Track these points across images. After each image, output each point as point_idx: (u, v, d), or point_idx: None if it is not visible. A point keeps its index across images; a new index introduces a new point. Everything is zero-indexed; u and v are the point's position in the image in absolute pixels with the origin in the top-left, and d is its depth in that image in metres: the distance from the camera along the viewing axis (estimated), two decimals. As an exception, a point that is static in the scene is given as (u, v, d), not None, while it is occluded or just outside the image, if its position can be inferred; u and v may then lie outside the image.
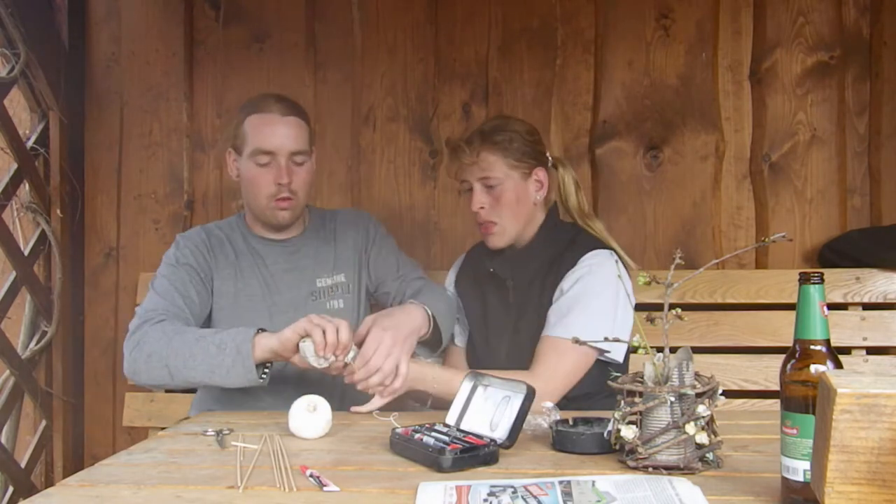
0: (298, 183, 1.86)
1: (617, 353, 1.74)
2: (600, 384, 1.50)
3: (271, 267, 1.93)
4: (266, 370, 1.65)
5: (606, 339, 1.31)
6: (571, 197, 1.92)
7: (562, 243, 1.83)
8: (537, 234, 1.86)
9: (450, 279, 2.06)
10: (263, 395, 1.80)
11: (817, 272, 1.00)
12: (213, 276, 1.89)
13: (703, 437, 1.15)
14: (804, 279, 1.00)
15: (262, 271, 1.92)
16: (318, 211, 2.07)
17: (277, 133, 1.83)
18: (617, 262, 1.75)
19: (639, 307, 1.42)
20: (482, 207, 1.81)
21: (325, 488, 1.12)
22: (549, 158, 1.90)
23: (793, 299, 1.07)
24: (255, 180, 1.86)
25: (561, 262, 1.79)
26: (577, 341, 1.34)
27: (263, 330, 1.64)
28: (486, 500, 1.03)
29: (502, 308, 1.87)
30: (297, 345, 1.57)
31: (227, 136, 1.95)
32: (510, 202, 1.80)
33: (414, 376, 1.66)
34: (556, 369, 1.69)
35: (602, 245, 1.81)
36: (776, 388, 1.03)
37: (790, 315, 1.03)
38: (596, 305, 1.70)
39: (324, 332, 1.54)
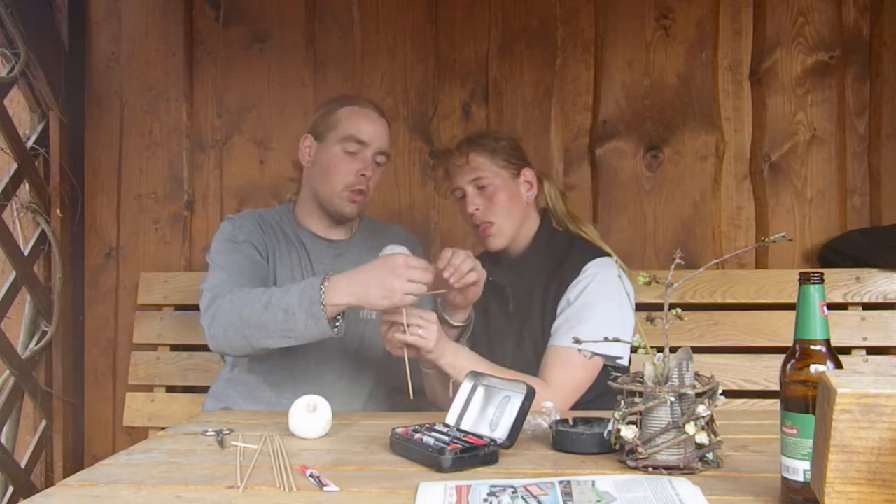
0: (374, 181, 1.91)
1: (625, 359, 1.75)
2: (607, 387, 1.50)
3: (315, 265, 1.93)
4: (338, 321, 1.64)
5: (606, 339, 1.31)
6: (559, 204, 1.94)
7: (560, 251, 1.84)
8: (534, 242, 1.88)
9: None
10: (286, 393, 1.78)
11: (817, 272, 1.00)
12: (269, 258, 1.90)
13: (703, 437, 1.15)
14: (804, 279, 1.00)
15: (305, 267, 1.92)
16: (368, 219, 2.08)
17: (372, 127, 1.89)
18: (615, 263, 1.75)
19: (639, 307, 1.42)
20: (477, 209, 1.83)
21: (325, 488, 1.12)
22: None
23: (793, 299, 1.07)
24: (337, 167, 1.87)
25: (563, 272, 1.79)
26: (576, 341, 1.35)
27: (326, 278, 1.62)
28: (486, 500, 1.03)
29: (503, 316, 1.87)
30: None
31: (311, 123, 1.96)
32: (503, 201, 1.83)
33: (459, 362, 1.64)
34: (568, 381, 1.70)
35: (600, 252, 1.82)
36: (776, 388, 1.03)
37: (790, 315, 1.03)
38: (603, 314, 1.70)
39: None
